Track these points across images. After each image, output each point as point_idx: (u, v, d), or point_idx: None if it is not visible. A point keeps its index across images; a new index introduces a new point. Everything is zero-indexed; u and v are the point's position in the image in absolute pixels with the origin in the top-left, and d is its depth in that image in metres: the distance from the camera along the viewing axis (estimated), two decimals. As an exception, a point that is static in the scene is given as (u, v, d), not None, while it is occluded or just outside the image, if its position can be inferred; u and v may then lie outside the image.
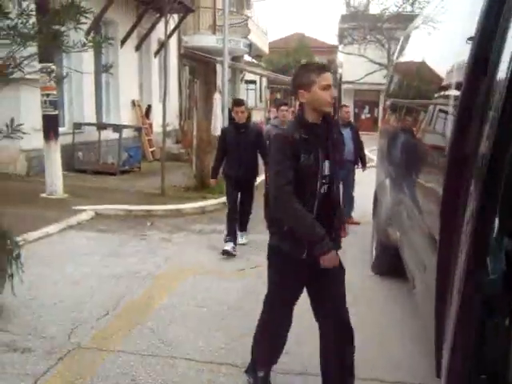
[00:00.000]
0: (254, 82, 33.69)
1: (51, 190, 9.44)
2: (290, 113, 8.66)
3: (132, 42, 15.44)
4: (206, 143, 11.06)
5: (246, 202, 7.24)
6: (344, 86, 37.31)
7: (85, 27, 4.85)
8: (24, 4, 4.34)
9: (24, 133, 4.63)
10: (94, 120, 13.63)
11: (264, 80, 34.62)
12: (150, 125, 16.34)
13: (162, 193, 10.18)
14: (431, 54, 5.15)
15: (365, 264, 6.34)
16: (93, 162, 12.99)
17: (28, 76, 5.21)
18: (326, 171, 3.08)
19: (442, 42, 4.70)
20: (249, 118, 6.27)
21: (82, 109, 13.04)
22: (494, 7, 2.77)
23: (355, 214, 8.92)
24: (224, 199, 8.07)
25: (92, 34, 8.46)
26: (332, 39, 53.51)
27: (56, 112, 9.55)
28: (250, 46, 23.83)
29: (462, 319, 2.35)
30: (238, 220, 7.13)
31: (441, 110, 3.89)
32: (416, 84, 5.71)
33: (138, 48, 16.01)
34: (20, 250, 4.63)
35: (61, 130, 10.57)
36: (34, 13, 4.53)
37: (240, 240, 7.15)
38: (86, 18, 4.24)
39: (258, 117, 25.33)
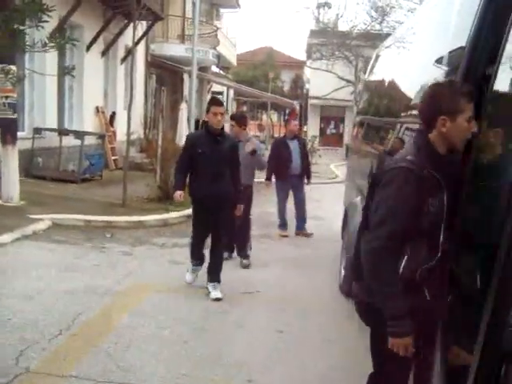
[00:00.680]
0: (221, 93, 33.51)
1: (7, 196, 9.01)
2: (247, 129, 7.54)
3: (98, 47, 15.07)
4: (171, 154, 10.77)
5: (220, 230, 5.67)
6: (311, 102, 37.51)
7: (49, 29, 4.57)
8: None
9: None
10: (55, 125, 13.19)
11: (231, 92, 34.51)
12: (114, 132, 15.96)
13: (124, 203, 9.85)
14: (401, 73, 5.12)
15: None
16: (52, 169, 12.53)
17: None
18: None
19: (412, 61, 4.70)
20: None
21: (44, 113, 12.60)
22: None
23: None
24: (188, 212, 7.65)
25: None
26: (300, 54, 54.06)
27: (15, 115, 9.14)
28: (219, 56, 23.70)
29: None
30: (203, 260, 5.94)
31: (410, 129, 3.79)
32: (386, 102, 5.62)
33: (104, 53, 15.63)
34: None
35: (20, 134, 10.15)
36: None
37: (213, 293, 5.51)
38: (49, 16, 3.95)
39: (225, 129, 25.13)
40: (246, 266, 6.82)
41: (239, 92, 33.07)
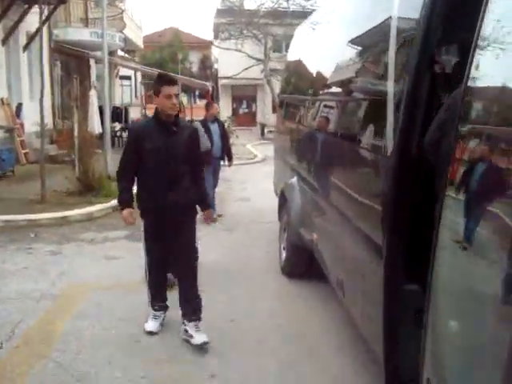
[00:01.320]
0: (129, 77, 32.54)
1: None
2: None
3: (-3, 34, 14.13)
4: (89, 144, 10.34)
5: (185, 249, 4.29)
6: (221, 82, 37.19)
7: None
8: None
9: None
10: (-44, 120, 12.30)
11: (139, 75, 33.57)
12: (22, 125, 15.06)
13: (43, 199, 9.34)
14: (321, 53, 5.16)
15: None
16: (-42, 167, 11.72)
17: None
18: None
19: (329, 42, 4.77)
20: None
21: None
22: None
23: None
24: (113, 202, 7.24)
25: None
26: (207, 34, 53.32)
27: None
28: (125, 40, 22.90)
29: None
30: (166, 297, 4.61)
31: (358, 105, 3.79)
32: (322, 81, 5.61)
33: (4, 42, 14.67)
34: None
35: None
36: None
37: (197, 338, 4.14)
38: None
39: (134, 114, 24.38)
40: None
41: (148, 75, 32.26)
